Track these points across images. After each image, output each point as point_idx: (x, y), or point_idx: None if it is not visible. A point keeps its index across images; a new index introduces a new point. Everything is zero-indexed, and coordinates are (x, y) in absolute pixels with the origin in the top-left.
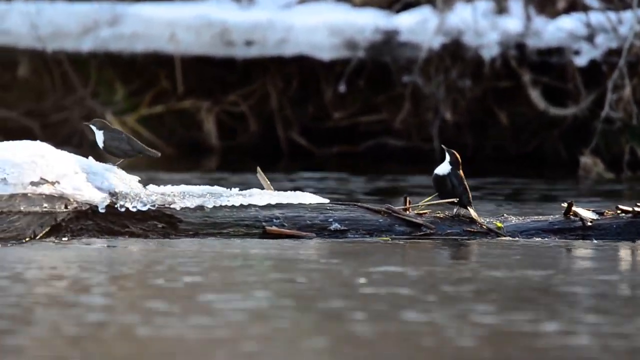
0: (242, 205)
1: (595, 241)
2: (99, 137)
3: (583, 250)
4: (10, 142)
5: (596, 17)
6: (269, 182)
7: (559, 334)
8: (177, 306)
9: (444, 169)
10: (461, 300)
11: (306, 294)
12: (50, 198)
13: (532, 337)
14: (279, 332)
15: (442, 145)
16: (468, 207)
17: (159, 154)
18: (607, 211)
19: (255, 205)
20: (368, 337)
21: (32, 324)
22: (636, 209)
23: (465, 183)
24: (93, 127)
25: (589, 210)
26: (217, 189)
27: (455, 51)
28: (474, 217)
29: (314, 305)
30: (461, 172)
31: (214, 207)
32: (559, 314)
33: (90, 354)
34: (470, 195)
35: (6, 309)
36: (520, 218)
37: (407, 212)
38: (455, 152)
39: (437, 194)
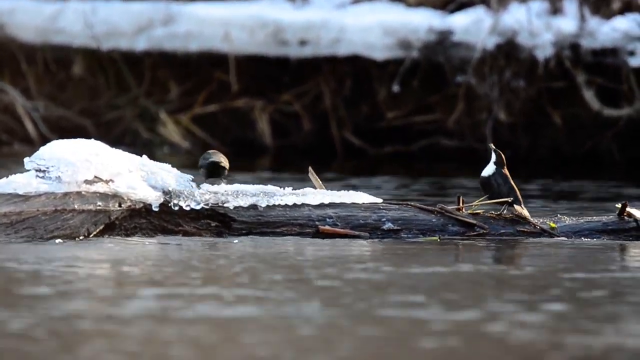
0: (295, 205)
1: None
2: None
3: (637, 250)
4: (65, 140)
5: None
6: (320, 182)
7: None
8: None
9: (488, 170)
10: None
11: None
12: (104, 196)
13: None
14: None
15: (490, 145)
16: (515, 206)
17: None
18: None
19: (308, 205)
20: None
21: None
22: None
23: (512, 182)
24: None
25: None
26: (270, 188)
27: (509, 51)
28: (524, 214)
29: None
30: (506, 171)
31: (267, 206)
32: (620, 317)
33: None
34: (518, 194)
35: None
36: (574, 219)
37: (460, 211)
38: (501, 152)
39: (487, 195)
